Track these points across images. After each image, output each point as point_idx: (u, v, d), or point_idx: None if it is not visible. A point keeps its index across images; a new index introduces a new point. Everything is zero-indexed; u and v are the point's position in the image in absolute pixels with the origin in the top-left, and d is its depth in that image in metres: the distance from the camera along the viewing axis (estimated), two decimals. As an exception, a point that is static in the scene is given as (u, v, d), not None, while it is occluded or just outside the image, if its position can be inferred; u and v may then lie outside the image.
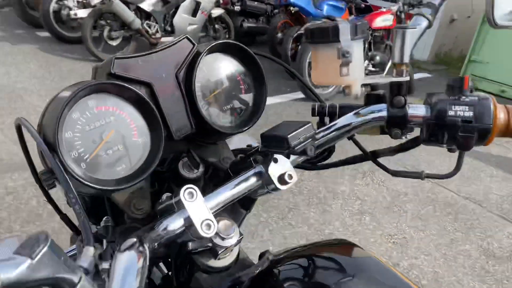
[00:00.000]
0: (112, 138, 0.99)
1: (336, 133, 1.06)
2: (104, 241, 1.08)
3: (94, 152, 0.97)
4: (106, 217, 1.12)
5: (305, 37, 0.99)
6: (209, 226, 0.90)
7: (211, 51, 1.12)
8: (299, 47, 8.21)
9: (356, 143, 1.20)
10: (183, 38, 1.08)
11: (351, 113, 1.07)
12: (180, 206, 0.91)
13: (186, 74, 1.09)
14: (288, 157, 1.01)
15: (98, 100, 0.98)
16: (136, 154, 1.03)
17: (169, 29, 8.91)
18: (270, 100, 7.58)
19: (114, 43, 8.43)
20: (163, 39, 8.76)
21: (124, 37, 8.60)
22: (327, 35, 0.90)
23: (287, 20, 9.74)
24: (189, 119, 1.09)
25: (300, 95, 7.97)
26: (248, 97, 1.21)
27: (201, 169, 1.14)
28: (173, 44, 1.07)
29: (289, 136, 0.90)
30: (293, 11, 9.37)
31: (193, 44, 1.10)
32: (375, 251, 4.25)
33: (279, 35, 9.61)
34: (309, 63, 7.63)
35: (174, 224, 0.90)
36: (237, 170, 1.14)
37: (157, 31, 8.69)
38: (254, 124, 1.18)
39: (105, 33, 8.31)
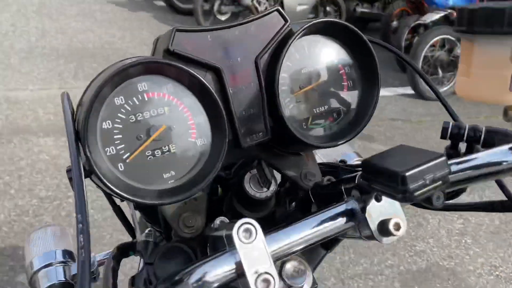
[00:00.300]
0: (162, 135, 0.75)
1: (477, 171, 0.70)
2: (141, 260, 0.86)
3: (137, 151, 0.74)
4: (148, 229, 0.90)
5: (457, 22, 0.65)
6: (267, 282, 0.62)
7: (310, 31, 0.83)
8: (415, 38, 7.48)
9: (502, 186, 0.83)
10: (273, 11, 0.80)
11: (507, 146, 0.70)
12: (231, 244, 0.65)
13: (270, 60, 0.80)
14: (399, 198, 0.68)
15: (151, 83, 0.74)
16: (191, 160, 0.78)
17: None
18: (374, 93, 7.02)
19: (222, 17, 8.43)
20: (271, 18, 8.53)
21: (233, 13, 8.56)
22: (500, 22, 0.55)
23: (405, 8, 8.94)
24: (265, 121, 0.81)
25: (409, 90, 7.29)
26: (351, 98, 0.90)
27: (273, 187, 0.86)
28: (258, 18, 0.79)
29: (408, 174, 0.58)
30: (413, -2, 8.56)
31: (285, 20, 0.80)
32: (473, 281, 3.68)
33: (394, 23, 8.87)
34: (425, 57, 6.91)
35: (218, 270, 0.64)
36: (322, 197, 0.84)
37: (266, 9, 8.47)
38: (356, 135, 0.87)
39: (215, 7, 8.35)
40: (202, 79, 0.73)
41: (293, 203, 1.06)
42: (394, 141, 5.54)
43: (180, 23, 8.72)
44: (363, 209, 0.70)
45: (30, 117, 4.60)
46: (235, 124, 0.78)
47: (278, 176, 1.04)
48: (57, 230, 1.07)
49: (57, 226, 1.09)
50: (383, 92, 7.24)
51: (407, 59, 1.03)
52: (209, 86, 0.74)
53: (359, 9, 9.92)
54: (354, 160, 1.20)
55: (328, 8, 9.32)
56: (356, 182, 0.72)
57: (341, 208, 0.73)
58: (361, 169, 0.71)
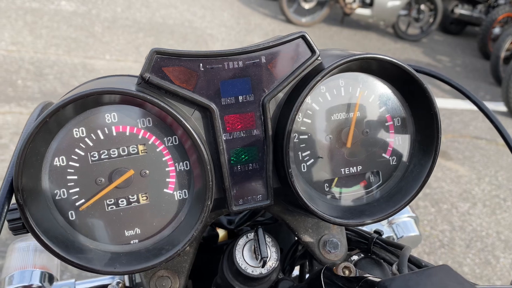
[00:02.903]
0: (128, 182, 0.58)
1: None
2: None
3: (95, 198, 0.58)
4: (117, 281, 0.73)
5: None
6: None
7: (348, 68, 0.60)
8: (519, 50, 6.69)
9: None
10: (298, 37, 0.58)
11: None
12: None
13: (286, 102, 0.59)
14: None
15: (122, 114, 0.57)
16: (164, 217, 0.60)
17: (368, 1, 8.14)
18: (457, 104, 6.36)
19: (307, 6, 8.10)
20: (359, 11, 8.07)
21: (319, 2, 8.19)
22: None
23: (511, 14, 8.02)
24: (267, 182, 0.61)
25: (501, 107, 6.55)
26: (397, 161, 0.66)
27: (272, 263, 0.65)
28: (275, 45, 0.57)
29: None
30: (524, 5, 7.65)
31: (312, 51, 0.58)
32: None
33: (496, 30, 8.00)
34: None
35: None
36: (333, 288, 0.63)
37: (354, 1, 8.02)
38: (393, 215, 0.63)
39: (301, -6, 8.04)
40: (182, 119, 0.54)
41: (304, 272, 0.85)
42: (473, 163, 4.99)
43: (262, 7, 8.53)
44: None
45: (102, 87, 4.73)
46: (225, 180, 0.59)
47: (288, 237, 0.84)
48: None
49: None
50: (470, 105, 6.58)
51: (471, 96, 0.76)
52: (192, 129, 0.55)
53: (459, 11, 9.06)
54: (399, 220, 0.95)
55: (422, 7, 8.59)
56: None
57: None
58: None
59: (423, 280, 0.44)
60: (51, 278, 0.92)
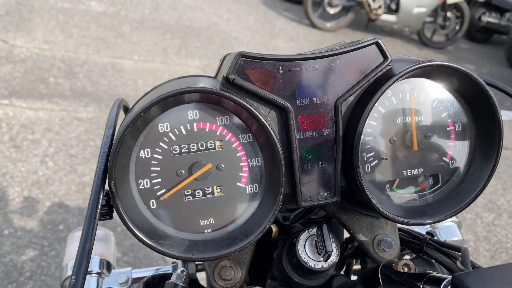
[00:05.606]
0: (206, 175, 0.62)
1: None
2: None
3: (175, 189, 0.62)
4: (181, 269, 0.78)
5: None
6: None
7: (415, 74, 0.63)
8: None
9: None
10: (372, 43, 0.61)
11: None
12: None
13: (357, 104, 0.63)
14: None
15: (203, 112, 0.62)
16: (236, 209, 0.64)
17: (393, 7, 8.11)
18: (485, 114, 6.27)
19: (332, 11, 8.12)
20: (384, 17, 8.04)
21: (344, 7, 8.20)
22: None
23: (542, 23, 7.89)
24: (335, 180, 0.64)
25: (528, 117, 6.42)
26: (457, 164, 0.69)
27: (333, 258, 0.69)
28: (348, 51, 0.61)
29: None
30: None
31: (385, 57, 0.62)
32: None
33: (525, 39, 7.87)
34: (555, 83, 6.01)
35: None
36: (392, 285, 0.66)
37: (379, 7, 8.00)
38: (452, 216, 0.66)
39: (326, -1, 8.06)
40: (261, 117, 0.58)
41: (355, 265, 0.88)
42: (499, 173, 4.92)
43: (287, 11, 8.57)
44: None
45: (130, 86, 4.82)
46: (296, 177, 0.63)
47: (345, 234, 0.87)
48: (100, 234, 1.01)
49: (101, 229, 1.03)
50: (496, 115, 6.46)
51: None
52: (269, 127, 0.59)
53: (486, 19, 8.93)
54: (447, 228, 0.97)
55: (449, 14, 8.51)
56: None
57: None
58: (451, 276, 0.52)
59: (498, 275, 0.47)
60: (108, 266, 0.97)
